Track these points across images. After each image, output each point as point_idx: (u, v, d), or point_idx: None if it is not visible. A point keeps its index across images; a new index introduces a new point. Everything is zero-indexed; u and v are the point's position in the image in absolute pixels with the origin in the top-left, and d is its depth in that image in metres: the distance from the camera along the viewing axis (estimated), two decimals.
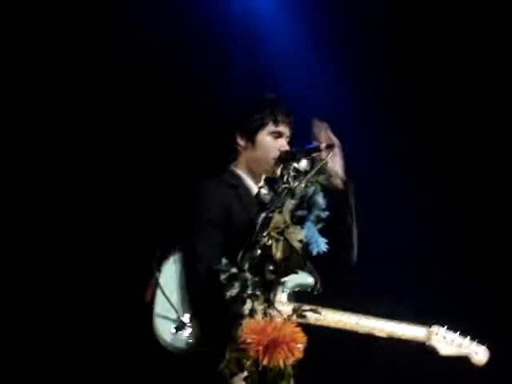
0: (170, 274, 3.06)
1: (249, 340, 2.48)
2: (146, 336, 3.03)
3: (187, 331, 2.97)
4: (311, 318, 2.91)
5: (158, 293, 3.02)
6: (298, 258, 2.65)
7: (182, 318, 2.97)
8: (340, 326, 3.12)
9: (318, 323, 3.04)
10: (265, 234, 2.62)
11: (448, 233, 4.71)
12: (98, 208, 4.56)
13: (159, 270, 3.06)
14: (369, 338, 3.17)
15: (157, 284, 3.02)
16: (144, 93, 4.56)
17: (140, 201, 4.52)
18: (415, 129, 4.68)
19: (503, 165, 4.73)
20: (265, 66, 4.60)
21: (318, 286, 3.10)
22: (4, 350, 4.40)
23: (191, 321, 2.97)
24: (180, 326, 2.96)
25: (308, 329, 2.62)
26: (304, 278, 3.06)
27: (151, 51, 4.57)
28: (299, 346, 2.49)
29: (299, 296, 3.09)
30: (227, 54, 4.67)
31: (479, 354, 3.23)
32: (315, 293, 3.10)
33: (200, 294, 2.96)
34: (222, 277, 2.64)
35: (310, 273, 3.09)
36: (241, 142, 3.23)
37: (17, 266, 4.45)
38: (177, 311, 2.97)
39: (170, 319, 2.98)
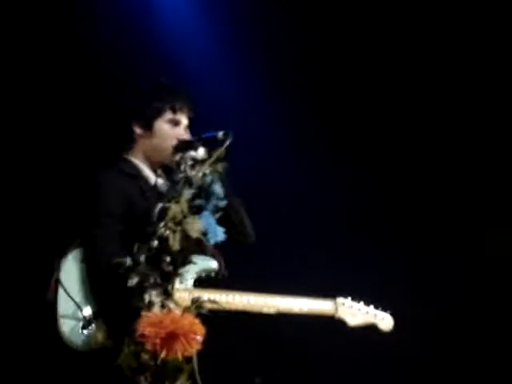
0: (70, 271, 2.99)
1: (146, 333, 2.44)
2: (49, 336, 2.96)
3: (93, 328, 2.91)
4: (221, 302, 2.90)
5: (60, 292, 2.94)
6: (195, 249, 2.64)
7: (86, 316, 2.90)
8: (248, 308, 3.11)
9: (226, 307, 3.02)
10: (162, 224, 2.58)
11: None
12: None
13: (59, 268, 2.97)
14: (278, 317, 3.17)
15: (58, 282, 2.94)
16: (36, 79, 4.41)
17: (35, 196, 4.35)
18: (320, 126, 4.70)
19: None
20: (159, 50, 4.51)
21: (223, 270, 3.08)
22: None
23: (96, 317, 2.91)
24: (86, 324, 2.90)
25: (208, 319, 2.59)
26: (208, 264, 3.04)
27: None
28: (198, 337, 2.47)
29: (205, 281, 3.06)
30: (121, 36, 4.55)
31: (385, 320, 3.30)
32: (220, 277, 3.07)
33: (103, 288, 2.90)
34: (120, 270, 2.60)
35: (214, 257, 3.06)
36: (137, 130, 3.16)
37: None
38: (81, 309, 2.90)
39: (75, 318, 2.91)
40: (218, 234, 2.74)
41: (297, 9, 4.62)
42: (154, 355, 2.47)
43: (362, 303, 3.31)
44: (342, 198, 4.67)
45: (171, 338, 2.42)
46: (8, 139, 4.31)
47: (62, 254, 3.03)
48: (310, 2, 4.65)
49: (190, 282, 3.00)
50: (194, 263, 2.69)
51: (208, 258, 3.04)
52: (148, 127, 3.13)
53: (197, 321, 2.49)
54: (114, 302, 2.81)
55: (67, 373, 3.05)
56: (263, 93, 4.55)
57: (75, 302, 2.92)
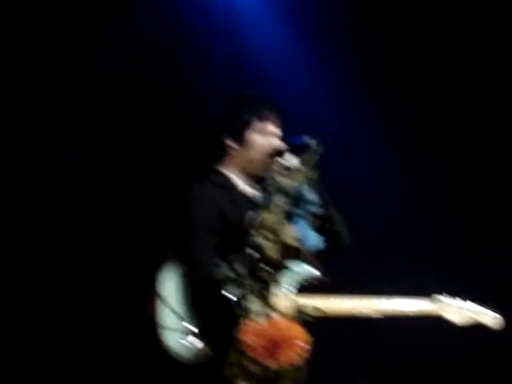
0: (169, 284, 3.02)
1: (249, 342, 2.46)
2: (152, 349, 3.00)
3: (196, 339, 2.95)
4: (324, 309, 2.90)
5: (161, 304, 3.00)
6: (293, 256, 2.65)
7: (189, 327, 2.94)
8: (351, 312, 3.06)
9: (330, 314, 2.97)
10: (258, 233, 2.61)
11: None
12: (93, 222, 4.52)
13: (159, 281, 3.03)
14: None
15: (158, 296, 2.99)
16: (127, 95, 4.52)
17: (132, 210, 4.47)
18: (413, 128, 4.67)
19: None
20: (245, 62, 4.56)
21: (325, 276, 3.06)
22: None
23: (198, 328, 2.95)
24: (188, 335, 2.95)
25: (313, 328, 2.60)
26: (310, 271, 3.02)
27: (132, 50, 4.55)
28: (303, 345, 2.47)
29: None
30: (207, 50, 4.62)
31: (491, 317, 3.22)
32: (321, 284, 3.06)
33: (202, 300, 2.94)
34: (221, 280, 2.63)
35: (314, 264, 3.06)
36: (229, 143, 3.20)
37: (14, 275, 4.42)
38: (183, 320, 2.95)
39: (177, 329, 2.94)
40: (315, 241, 2.74)
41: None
42: (259, 364, 2.49)
43: (459, 300, 3.22)
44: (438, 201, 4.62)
45: (275, 346, 2.44)
46: (106, 155, 4.44)
47: (160, 268, 3.09)
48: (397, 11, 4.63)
49: (293, 290, 3.00)
50: (295, 271, 2.69)
51: (309, 265, 3.04)
52: (239, 139, 3.16)
53: (301, 329, 2.49)
54: (214, 312, 2.84)
55: (168, 380, 3.10)
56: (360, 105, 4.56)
57: (177, 314, 2.96)
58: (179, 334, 2.93)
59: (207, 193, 3.07)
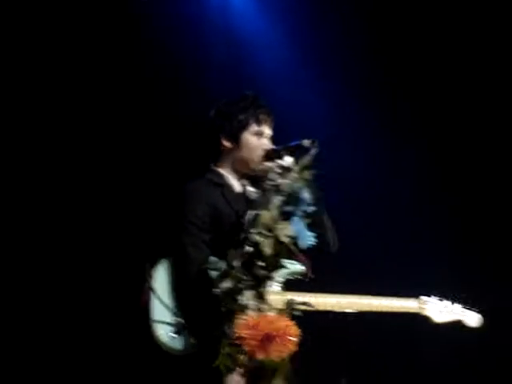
0: (162, 278, 3.09)
1: (243, 335, 2.53)
2: (143, 341, 3.06)
3: (185, 333, 3.01)
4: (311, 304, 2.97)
5: (153, 298, 3.06)
6: (286, 253, 2.73)
7: (179, 321, 3.01)
8: (336, 308, 3.22)
9: (316, 308, 3.08)
10: (254, 231, 2.68)
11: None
12: (88, 216, 4.56)
13: (152, 275, 3.09)
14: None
15: (150, 289, 3.05)
16: (128, 95, 4.57)
17: (128, 206, 4.53)
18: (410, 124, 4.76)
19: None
20: (243, 64, 4.63)
21: (309, 272, 3.14)
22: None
23: (187, 322, 3.01)
24: (179, 329, 3.00)
25: (301, 321, 2.68)
26: (295, 266, 3.10)
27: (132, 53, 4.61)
28: (293, 338, 2.55)
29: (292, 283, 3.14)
30: (206, 51, 4.68)
31: (473, 317, 3.40)
32: (307, 279, 3.13)
33: (193, 295, 3.00)
34: (213, 274, 2.70)
35: (301, 260, 3.13)
36: (226, 144, 3.26)
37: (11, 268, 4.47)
38: (173, 314, 3.01)
39: (168, 323, 3.01)
40: (308, 239, 2.83)
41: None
42: (251, 357, 2.56)
43: (447, 301, 3.40)
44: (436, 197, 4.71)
45: (267, 339, 2.51)
46: (103, 153, 4.52)
47: (154, 263, 3.15)
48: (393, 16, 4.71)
49: (279, 285, 3.08)
50: (285, 267, 2.78)
51: (294, 261, 3.12)
52: (235, 140, 3.24)
53: (292, 322, 2.58)
54: (204, 306, 2.90)
55: (162, 375, 3.16)
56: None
57: (167, 308, 3.02)
58: (170, 327, 3.00)
59: (200, 191, 3.16)
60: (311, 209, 2.86)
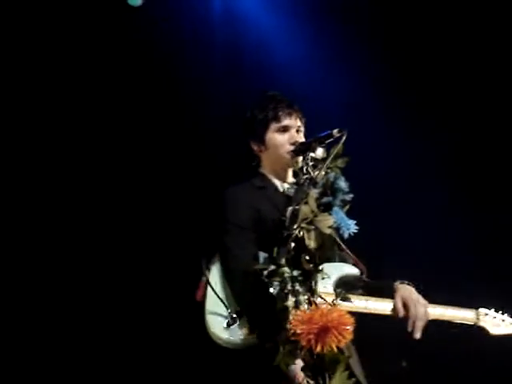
0: (218, 273, 3.15)
1: (299, 331, 2.54)
2: (199, 333, 3.10)
3: (237, 325, 3.03)
4: (358, 307, 2.99)
5: (209, 291, 3.10)
6: (331, 244, 2.73)
7: (232, 314, 3.03)
8: (385, 313, 3.14)
9: (365, 311, 3.08)
10: (295, 226, 2.69)
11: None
12: (150, 218, 4.78)
13: (208, 270, 3.13)
14: None
15: (207, 283, 3.09)
16: (127, 95, 4.64)
17: (187, 207, 4.73)
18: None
19: None
20: (245, 60, 4.66)
21: (364, 275, 3.15)
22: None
23: (240, 316, 3.04)
24: (231, 322, 3.03)
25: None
26: (349, 269, 3.12)
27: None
28: (348, 328, 2.55)
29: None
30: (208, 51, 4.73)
31: None
32: (361, 283, 3.14)
33: (241, 293, 3.03)
34: (264, 274, 2.71)
35: (355, 263, 3.14)
36: (255, 147, 3.32)
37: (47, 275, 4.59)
38: (227, 307, 3.04)
39: (221, 315, 3.05)
40: (351, 227, 2.84)
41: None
42: (310, 351, 2.57)
43: (506, 315, 3.38)
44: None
45: (323, 331, 2.52)
46: (156, 160, 4.70)
47: (210, 258, 3.20)
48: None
49: (331, 288, 3.07)
50: (333, 260, 2.78)
51: (348, 264, 3.13)
52: (261, 142, 3.29)
53: (345, 312, 2.58)
54: (255, 304, 2.92)
55: (215, 367, 3.19)
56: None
57: (222, 301, 3.06)
58: (222, 318, 3.03)
59: (240, 194, 3.21)
60: (349, 196, 2.87)
